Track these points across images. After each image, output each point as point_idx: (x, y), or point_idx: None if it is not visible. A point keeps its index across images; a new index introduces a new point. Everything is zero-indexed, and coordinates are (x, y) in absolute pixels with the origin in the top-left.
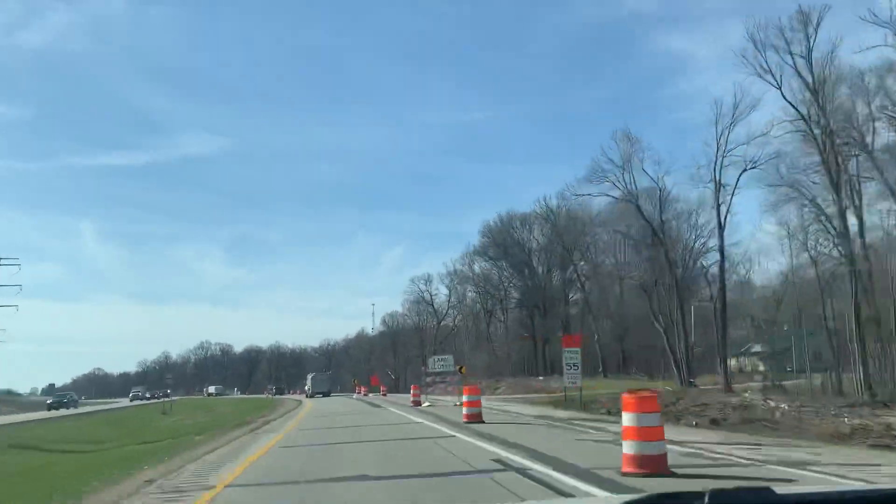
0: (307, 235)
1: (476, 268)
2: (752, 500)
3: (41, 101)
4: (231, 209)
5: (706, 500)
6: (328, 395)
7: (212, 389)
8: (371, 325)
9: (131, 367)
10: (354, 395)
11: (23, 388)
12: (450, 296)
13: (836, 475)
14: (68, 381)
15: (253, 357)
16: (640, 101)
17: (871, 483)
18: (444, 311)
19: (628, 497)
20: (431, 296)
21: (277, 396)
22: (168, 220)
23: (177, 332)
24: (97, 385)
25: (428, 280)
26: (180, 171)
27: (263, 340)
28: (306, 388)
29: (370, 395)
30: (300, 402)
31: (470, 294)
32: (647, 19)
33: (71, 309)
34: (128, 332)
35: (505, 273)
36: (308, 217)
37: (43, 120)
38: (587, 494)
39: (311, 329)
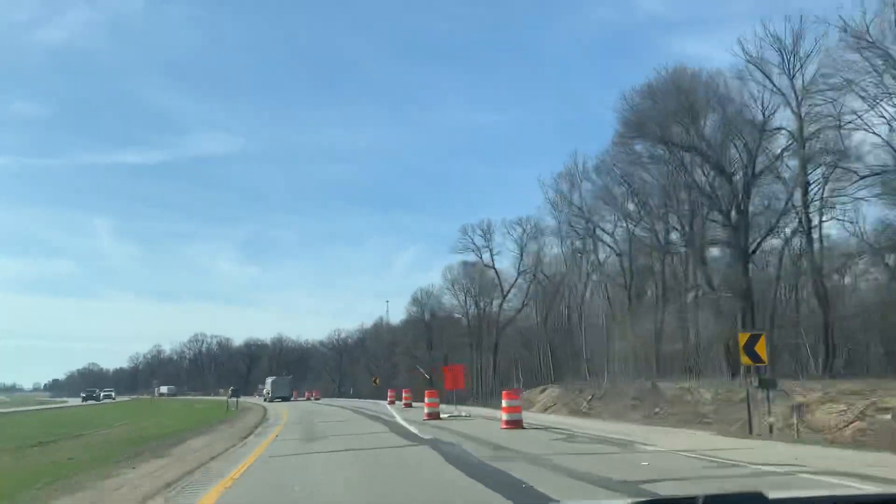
0: (320, 235)
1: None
2: None
3: (59, 99)
4: (245, 208)
5: None
6: (287, 400)
7: (164, 389)
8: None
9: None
10: (388, 406)
11: (27, 383)
12: (521, 256)
13: None
14: (62, 376)
15: (253, 352)
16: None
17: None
18: (514, 280)
19: (626, 501)
20: (493, 254)
21: (232, 399)
22: (182, 217)
23: (186, 329)
24: (92, 381)
25: (487, 231)
26: (195, 170)
27: (266, 334)
28: (265, 391)
29: (397, 403)
30: (264, 409)
31: (564, 249)
32: (663, 22)
33: (83, 305)
34: (135, 328)
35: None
36: (321, 217)
37: (60, 117)
38: None
39: (319, 324)
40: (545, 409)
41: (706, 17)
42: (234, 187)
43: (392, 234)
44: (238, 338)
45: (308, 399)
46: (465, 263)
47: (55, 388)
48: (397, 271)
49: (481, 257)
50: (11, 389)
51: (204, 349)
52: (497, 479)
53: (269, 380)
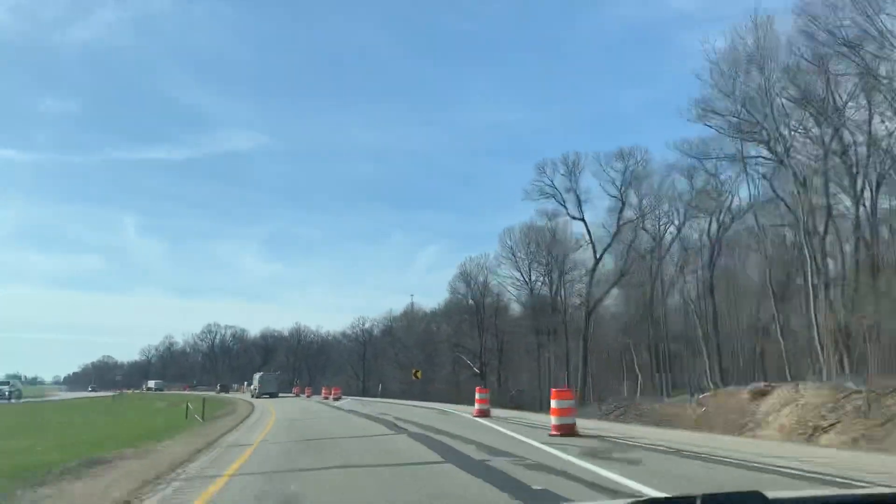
0: (344, 232)
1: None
2: (744, 503)
3: (87, 96)
4: (269, 205)
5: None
6: (275, 396)
7: (151, 384)
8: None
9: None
10: (479, 420)
11: (48, 376)
12: (622, 205)
13: None
14: (77, 369)
15: (269, 344)
16: (682, 101)
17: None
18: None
19: (625, 502)
20: (580, 201)
21: (223, 395)
22: (208, 214)
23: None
24: (105, 374)
25: (572, 168)
26: (221, 167)
27: (284, 325)
28: (252, 387)
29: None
30: (251, 406)
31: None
32: (688, 19)
33: (108, 300)
34: (158, 323)
35: None
36: (345, 214)
37: (89, 114)
38: None
39: (341, 318)
40: (812, 433)
41: (732, 14)
42: (258, 184)
43: (415, 231)
44: (254, 329)
45: (326, 398)
46: (529, 228)
47: (73, 381)
48: (419, 269)
49: (564, 204)
50: (33, 382)
51: (217, 340)
52: None
53: (256, 375)
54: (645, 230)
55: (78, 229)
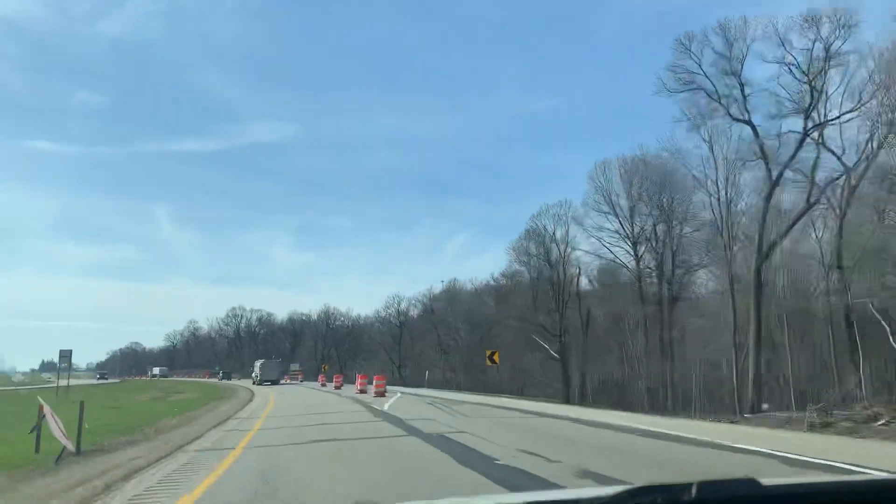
0: (372, 222)
1: None
2: (739, 490)
3: (119, 89)
4: (299, 195)
5: (694, 490)
6: (276, 384)
7: (156, 371)
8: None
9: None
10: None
11: (83, 363)
12: (811, 103)
13: None
14: (104, 356)
15: (297, 329)
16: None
17: None
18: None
19: (617, 489)
20: (743, 89)
21: (225, 382)
22: (238, 205)
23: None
24: (132, 360)
25: (733, 40)
26: (251, 158)
27: (313, 308)
28: (253, 374)
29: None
30: (251, 392)
31: None
32: (719, 3)
33: (140, 289)
34: (189, 311)
35: None
36: (373, 203)
37: (120, 106)
38: None
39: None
40: None
41: None
42: (288, 175)
43: (443, 220)
44: (281, 312)
45: (362, 391)
46: (635, 162)
47: (102, 367)
48: (448, 257)
49: (719, 99)
50: (68, 369)
51: (243, 325)
52: None
53: (257, 363)
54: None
55: (111, 220)
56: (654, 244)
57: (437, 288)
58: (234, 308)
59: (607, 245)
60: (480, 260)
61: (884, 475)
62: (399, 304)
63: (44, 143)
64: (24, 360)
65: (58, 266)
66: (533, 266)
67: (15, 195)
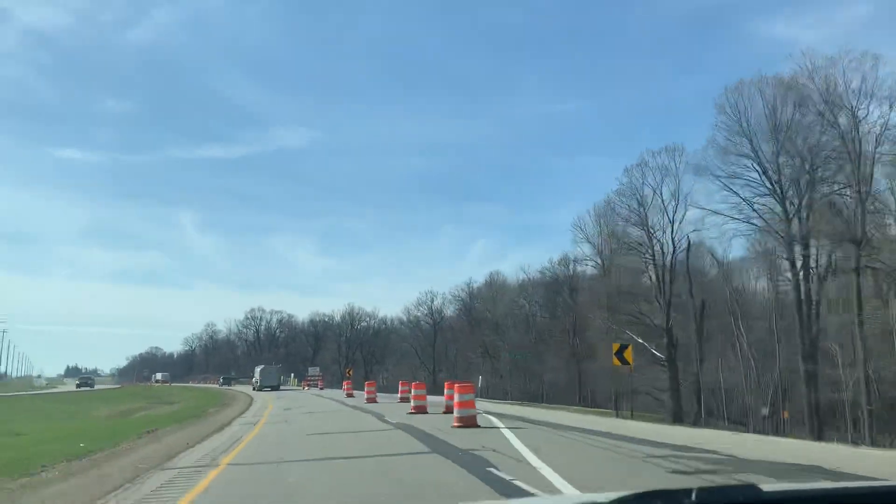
0: (395, 227)
1: None
2: (739, 496)
3: (145, 96)
4: (322, 200)
5: (693, 497)
6: (277, 389)
7: (159, 376)
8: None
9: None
10: None
11: (107, 367)
12: None
13: None
14: (124, 362)
15: (319, 331)
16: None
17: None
18: None
19: (618, 494)
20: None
21: (225, 388)
22: (263, 210)
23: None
24: (150, 365)
25: None
26: (275, 163)
27: (336, 308)
28: (253, 380)
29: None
30: (244, 405)
31: None
32: (747, 4)
33: (166, 294)
34: (211, 314)
35: None
36: (396, 208)
37: (146, 114)
38: None
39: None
40: None
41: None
42: (312, 180)
43: (466, 225)
44: (301, 314)
45: (420, 410)
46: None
47: (123, 373)
48: (470, 262)
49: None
50: (93, 374)
51: (263, 327)
52: None
53: (257, 369)
54: None
55: (138, 226)
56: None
57: (478, 281)
58: (252, 310)
59: (743, 206)
60: (507, 264)
61: (886, 482)
62: (433, 301)
63: (73, 151)
64: (51, 365)
65: (86, 272)
66: (620, 241)
67: (45, 202)
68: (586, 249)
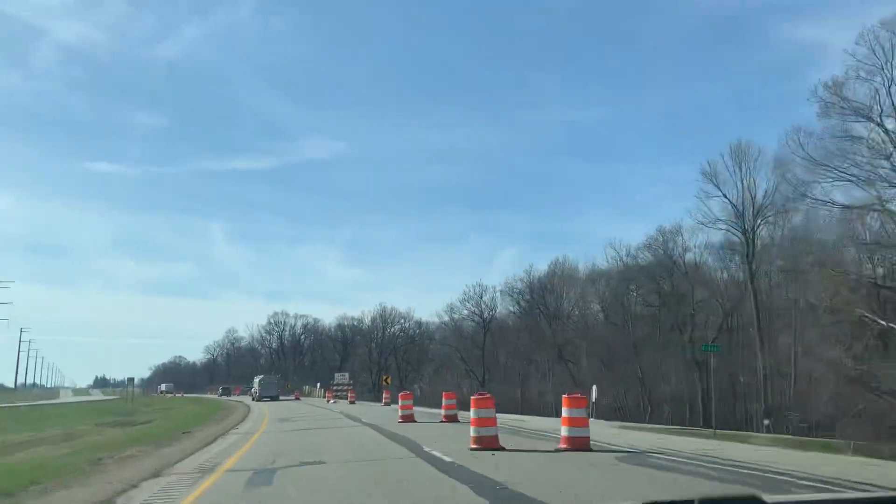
0: (420, 236)
1: None
2: None
3: (174, 109)
4: (348, 211)
5: None
6: (276, 399)
7: (163, 387)
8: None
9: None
10: None
11: (136, 377)
12: None
13: None
14: (147, 372)
15: (347, 337)
16: (767, 94)
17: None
18: None
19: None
20: None
21: (224, 398)
22: (290, 221)
23: (272, 311)
24: (172, 375)
25: None
26: (301, 175)
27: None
28: (252, 391)
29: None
30: (237, 419)
31: None
32: (773, 7)
33: (195, 305)
34: (238, 324)
35: None
36: (421, 218)
37: (176, 127)
38: None
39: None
40: None
41: (820, 1)
42: (338, 191)
43: (491, 234)
44: (328, 318)
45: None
46: None
47: (148, 382)
48: (497, 271)
49: None
50: (120, 385)
51: (287, 333)
52: None
53: (256, 379)
54: None
55: (168, 237)
56: None
57: (540, 269)
58: (276, 313)
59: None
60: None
61: (885, 492)
62: (482, 296)
63: (104, 164)
64: (83, 376)
65: (117, 283)
66: (817, 169)
67: (77, 214)
68: (715, 208)
